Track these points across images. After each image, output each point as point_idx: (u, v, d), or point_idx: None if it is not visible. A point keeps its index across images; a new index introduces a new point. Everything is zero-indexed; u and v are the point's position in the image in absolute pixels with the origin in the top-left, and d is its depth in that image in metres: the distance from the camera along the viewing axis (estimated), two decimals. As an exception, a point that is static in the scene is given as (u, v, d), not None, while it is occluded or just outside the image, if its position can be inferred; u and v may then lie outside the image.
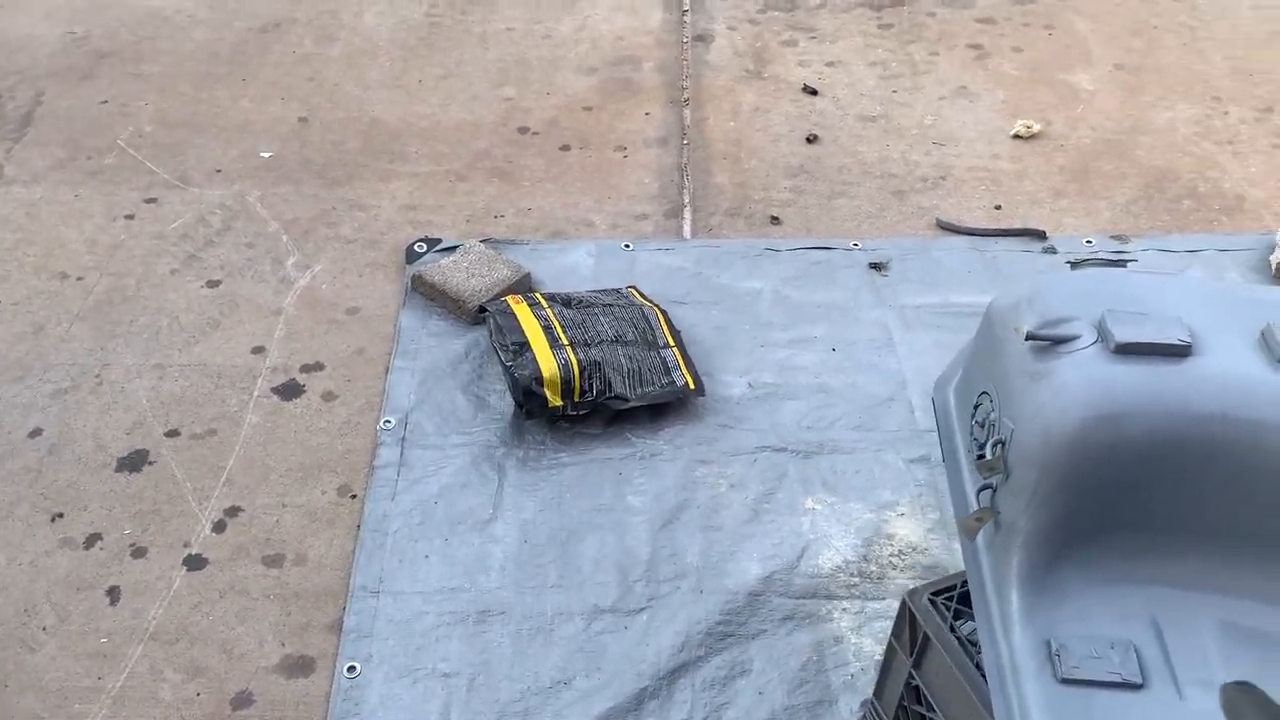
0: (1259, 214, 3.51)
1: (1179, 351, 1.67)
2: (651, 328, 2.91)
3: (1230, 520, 1.68)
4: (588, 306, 2.92)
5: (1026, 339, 1.72)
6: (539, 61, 4.16)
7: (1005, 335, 1.82)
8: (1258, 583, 1.69)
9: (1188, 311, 1.76)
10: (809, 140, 3.76)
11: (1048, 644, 1.61)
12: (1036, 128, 3.79)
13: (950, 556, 2.51)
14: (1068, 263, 2.08)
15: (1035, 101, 3.96)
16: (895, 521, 2.59)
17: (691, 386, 2.79)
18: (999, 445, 1.76)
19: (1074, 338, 1.73)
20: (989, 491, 1.77)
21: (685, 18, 4.40)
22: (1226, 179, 3.64)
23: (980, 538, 1.78)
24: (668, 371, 2.80)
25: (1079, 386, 1.67)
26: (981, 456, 1.86)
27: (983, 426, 1.85)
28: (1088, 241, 3.37)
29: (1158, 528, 1.69)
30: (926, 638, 1.93)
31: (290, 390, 2.87)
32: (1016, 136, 3.77)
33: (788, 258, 3.33)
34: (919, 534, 2.57)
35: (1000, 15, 4.41)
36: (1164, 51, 4.23)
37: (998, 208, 3.50)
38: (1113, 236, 3.39)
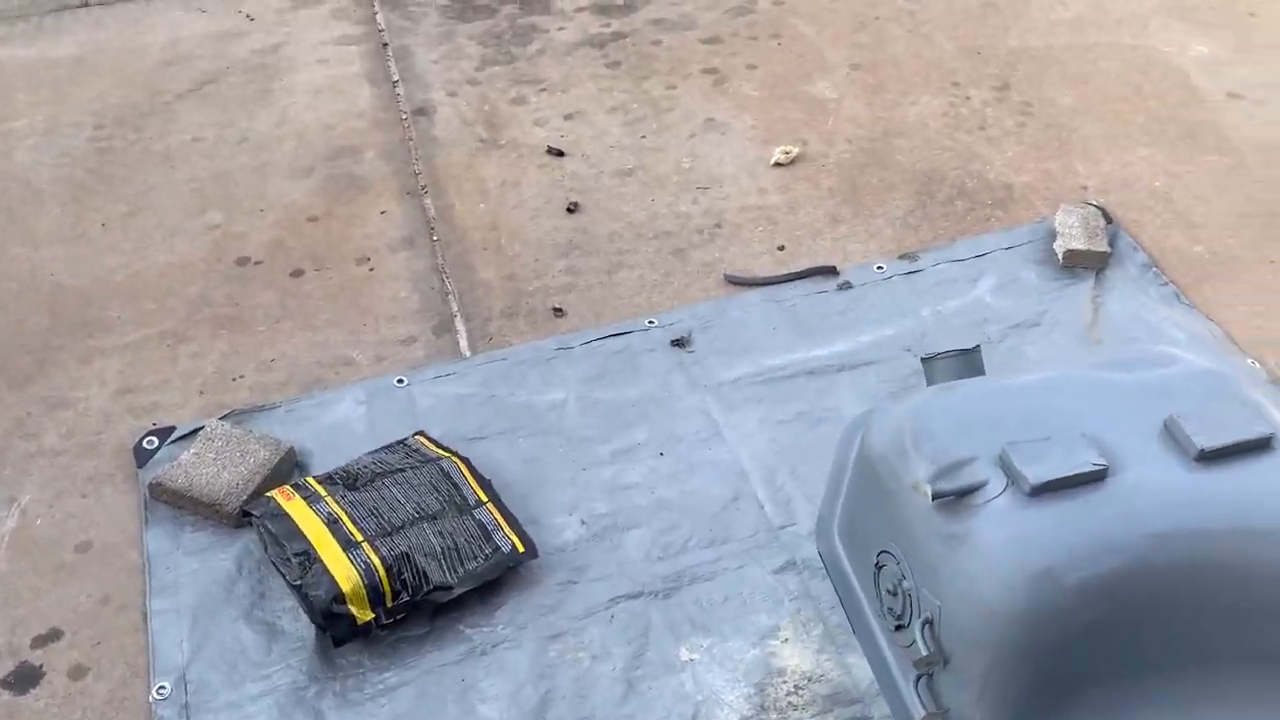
0: (1029, 201, 3.47)
1: (1097, 477, 1.47)
2: (456, 485, 2.50)
3: (1196, 645, 1.50)
4: (375, 480, 2.47)
5: (934, 498, 1.47)
6: (242, 172, 3.62)
7: (895, 487, 1.57)
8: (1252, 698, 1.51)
9: (1083, 418, 1.56)
10: (570, 210, 3.43)
11: None
12: (795, 151, 3.61)
13: (848, 676, 2.25)
14: (921, 358, 1.86)
15: (786, 121, 3.79)
16: (782, 651, 2.30)
17: (521, 549, 2.41)
18: (927, 626, 1.50)
19: (981, 484, 1.49)
20: (926, 680, 1.51)
21: (398, 89, 3.96)
22: (989, 169, 3.59)
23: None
24: (488, 538, 2.40)
25: (1007, 548, 1.44)
26: (900, 627, 1.60)
27: (895, 595, 1.59)
28: (879, 268, 3.23)
29: (1126, 673, 1.49)
30: None
31: (25, 678, 2.27)
32: (778, 164, 3.58)
33: (583, 354, 2.99)
34: (810, 659, 2.29)
35: (725, 32, 4.22)
36: (892, 43, 4.17)
37: (781, 248, 3.30)
38: (901, 257, 3.26)
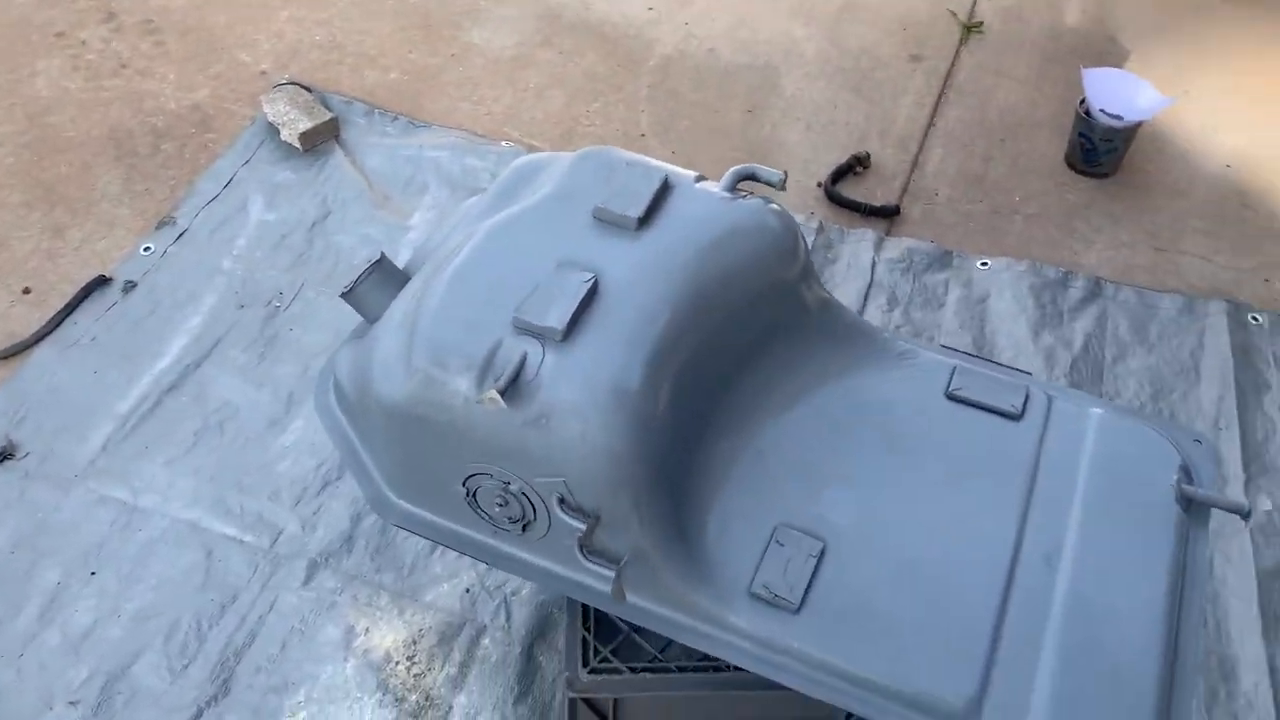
0: (227, 110, 3.30)
1: (593, 292, 1.55)
2: None
3: (752, 376, 1.70)
4: None
5: (504, 398, 1.43)
6: None
7: (446, 416, 1.49)
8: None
9: (539, 252, 1.61)
10: None
11: (754, 593, 1.53)
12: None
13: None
14: (342, 295, 1.73)
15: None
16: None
17: None
18: (563, 503, 1.50)
19: (523, 359, 1.48)
20: (587, 549, 1.53)
21: None
22: (166, 100, 3.32)
23: (630, 591, 1.56)
24: None
25: (583, 395, 1.47)
26: (527, 526, 1.57)
27: (505, 504, 1.55)
28: (146, 249, 2.89)
29: (729, 424, 1.66)
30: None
31: None
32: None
33: None
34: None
35: None
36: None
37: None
38: (159, 226, 2.93)
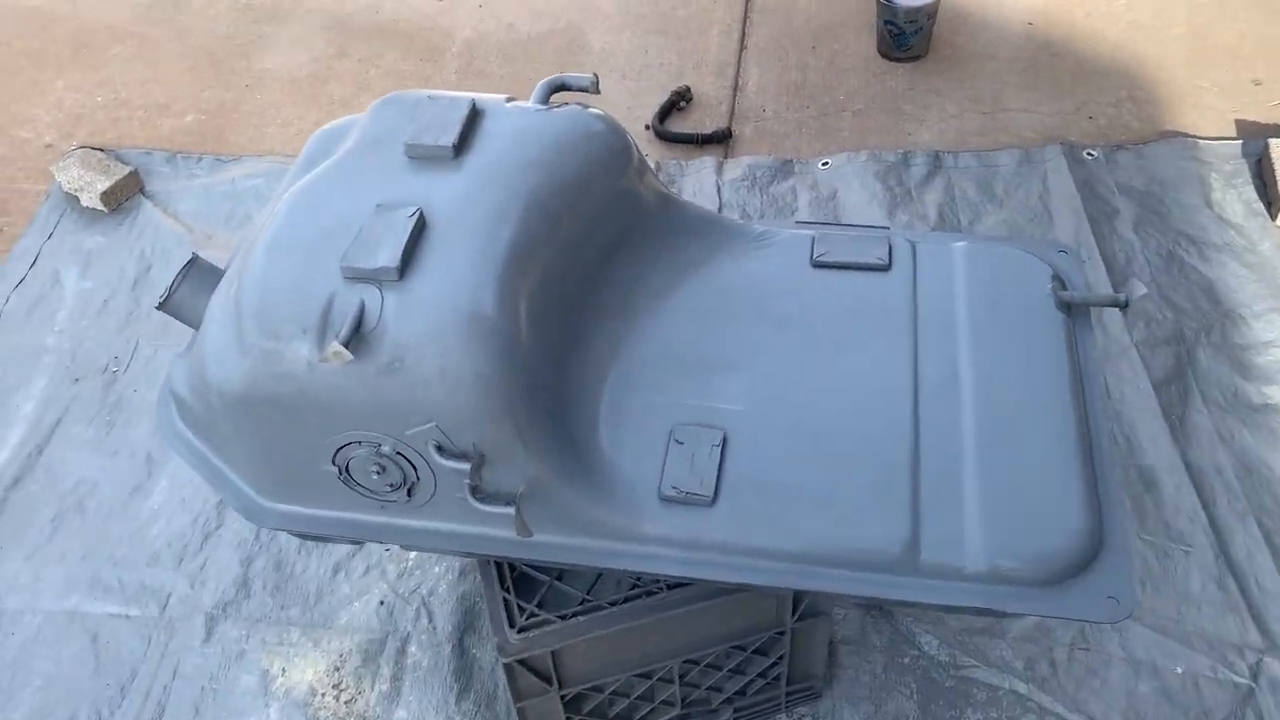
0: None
1: (420, 225, 1.45)
2: None
3: (601, 271, 1.62)
4: None
5: (349, 349, 1.32)
6: None
7: (298, 394, 1.37)
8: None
9: (352, 199, 1.50)
10: None
11: (665, 496, 1.47)
12: None
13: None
14: (159, 307, 1.59)
15: None
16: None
17: None
18: (440, 450, 1.40)
19: (360, 309, 1.37)
20: (477, 490, 1.42)
21: None
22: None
23: (536, 528, 1.47)
24: None
25: (436, 331, 1.37)
26: (412, 488, 1.46)
27: (383, 471, 1.44)
28: None
29: (595, 313, 1.59)
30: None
31: None
32: None
33: None
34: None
35: None
36: None
37: None
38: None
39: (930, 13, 3.13)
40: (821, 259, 1.77)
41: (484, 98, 1.68)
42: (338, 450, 1.45)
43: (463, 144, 1.57)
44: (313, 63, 3.45)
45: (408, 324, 1.37)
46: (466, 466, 1.38)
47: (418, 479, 1.46)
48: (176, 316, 1.66)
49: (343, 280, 1.40)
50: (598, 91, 1.70)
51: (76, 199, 2.99)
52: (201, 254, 1.69)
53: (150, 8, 3.68)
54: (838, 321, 1.69)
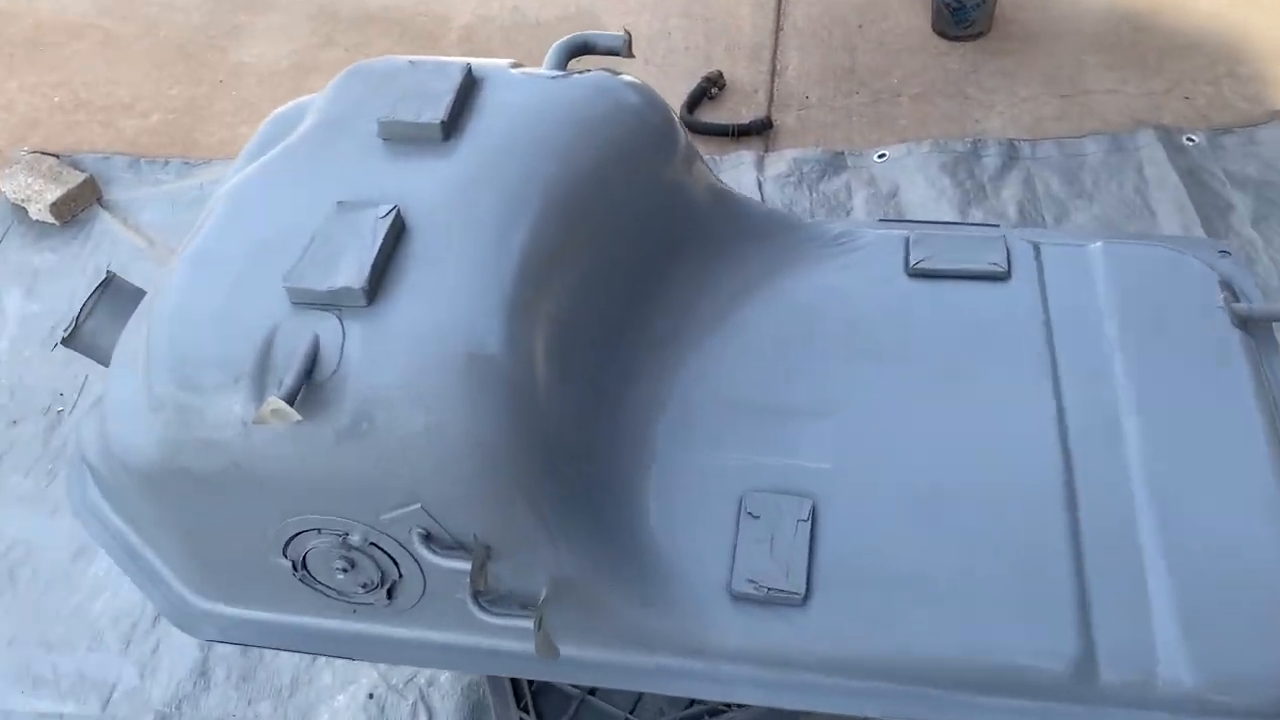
0: (-40, 202, 2.70)
1: (398, 227, 1.06)
2: None
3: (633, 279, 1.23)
4: None
5: (291, 402, 0.93)
6: None
7: (228, 455, 0.98)
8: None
9: (298, 211, 1.11)
10: None
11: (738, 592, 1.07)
12: None
13: None
14: (63, 342, 1.21)
15: None
16: None
17: None
18: (430, 541, 1.00)
19: (314, 347, 0.98)
20: (478, 595, 1.03)
21: None
22: (-118, 209, 2.69)
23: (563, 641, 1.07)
24: None
25: (411, 379, 0.97)
26: (392, 588, 1.07)
27: (349, 568, 1.05)
28: None
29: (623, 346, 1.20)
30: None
31: None
32: None
33: None
34: None
35: None
36: None
37: None
38: None
39: (996, -17, 2.74)
40: (921, 266, 1.38)
41: (482, 63, 1.29)
42: (289, 540, 1.06)
43: (455, 122, 1.19)
44: (295, 53, 3.07)
45: (379, 368, 0.98)
46: (466, 565, 0.99)
47: (400, 576, 1.07)
48: (88, 355, 1.27)
49: (289, 307, 1.01)
50: (630, 54, 1.32)
51: (24, 210, 2.61)
52: (122, 275, 1.31)
53: (113, 4, 3.31)
54: (950, 348, 1.29)
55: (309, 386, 0.97)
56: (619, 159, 1.24)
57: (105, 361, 1.27)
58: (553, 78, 1.27)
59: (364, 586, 1.08)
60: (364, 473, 0.98)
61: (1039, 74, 2.72)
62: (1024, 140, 2.53)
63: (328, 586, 1.10)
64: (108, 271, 1.27)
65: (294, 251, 1.03)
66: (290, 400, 0.92)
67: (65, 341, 1.24)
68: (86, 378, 2.27)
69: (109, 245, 2.55)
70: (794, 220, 1.46)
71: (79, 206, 2.63)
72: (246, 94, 2.95)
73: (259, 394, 0.97)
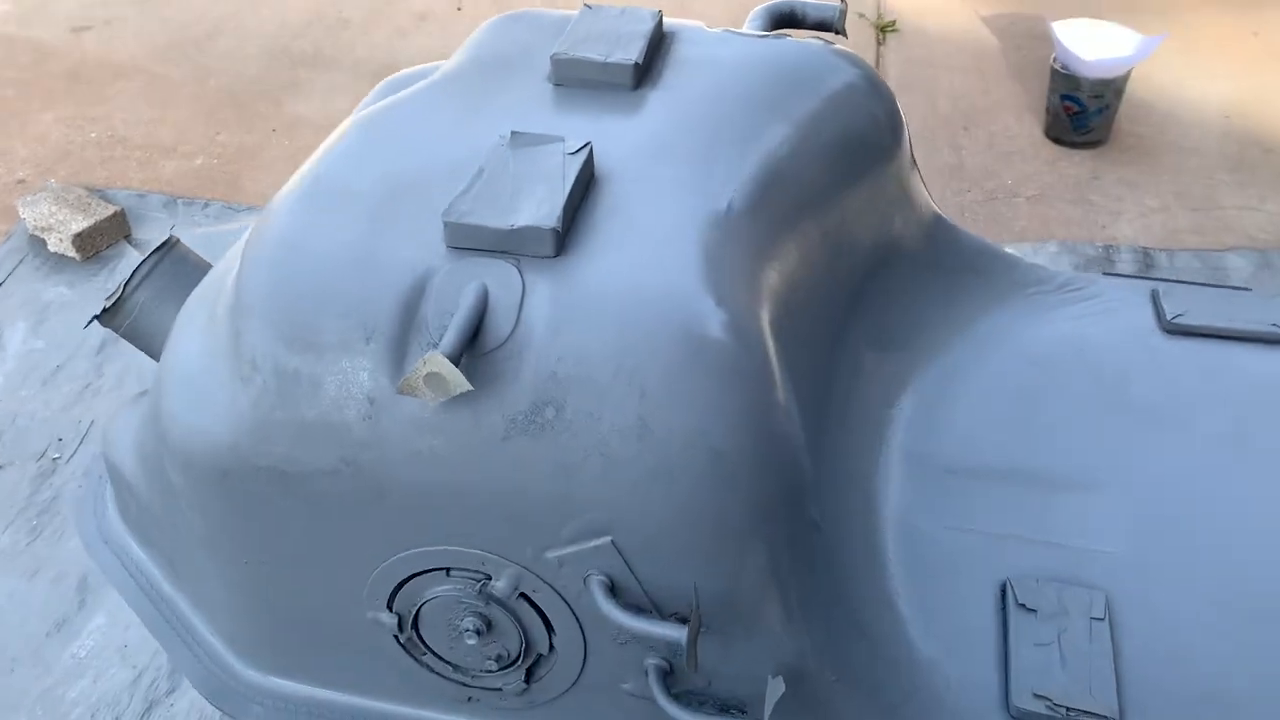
0: (-28, 228, 2.44)
1: (587, 171, 0.79)
2: None
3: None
4: None
5: (455, 360, 0.63)
6: None
7: (344, 444, 0.68)
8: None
9: (441, 143, 0.84)
10: None
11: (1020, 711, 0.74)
12: None
13: None
14: (105, 313, 0.92)
15: None
16: None
17: None
18: (614, 592, 0.70)
19: (482, 302, 0.70)
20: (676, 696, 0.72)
21: None
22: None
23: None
24: None
25: (646, 322, 0.69)
26: (534, 668, 0.75)
27: (488, 628, 0.74)
28: None
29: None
30: None
31: None
32: None
33: None
34: None
35: None
36: None
37: None
38: None
39: (1119, 88, 2.56)
40: (1179, 322, 1.10)
41: (673, 21, 1.04)
42: (400, 585, 0.74)
43: (648, 67, 0.93)
44: (355, 110, 2.86)
45: (576, 337, 0.69)
46: (679, 633, 0.67)
47: (550, 649, 0.75)
48: (131, 339, 0.98)
49: (445, 252, 0.72)
50: (844, 33, 1.07)
51: (43, 242, 2.35)
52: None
53: (168, 48, 3.13)
54: (1230, 415, 1.01)
55: (471, 355, 0.67)
56: (839, 132, 0.97)
57: (153, 352, 0.97)
58: (761, 37, 1.02)
59: (497, 660, 0.75)
60: (537, 482, 0.68)
61: (1166, 186, 2.52)
62: (1159, 250, 2.30)
63: (443, 659, 0.77)
64: (171, 234, 0.99)
65: (449, 188, 0.75)
66: (455, 359, 0.63)
67: (103, 316, 0.95)
68: (90, 424, 1.96)
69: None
70: (1012, 258, 1.20)
71: (105, 241, 2.36)
72: (301, 143, 2.72)
73: (399, 360, 0.67)
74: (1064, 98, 2.58)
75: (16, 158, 2.69)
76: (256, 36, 3.16)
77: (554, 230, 0.70)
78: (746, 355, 0.71)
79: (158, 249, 0.97)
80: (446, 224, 0.71)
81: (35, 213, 2.37)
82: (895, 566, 0.83)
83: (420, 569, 0.72)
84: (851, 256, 0.99)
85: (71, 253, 2.32)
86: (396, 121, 0.86)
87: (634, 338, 0.68)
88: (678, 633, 0.65)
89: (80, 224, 2.33)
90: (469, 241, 0.71)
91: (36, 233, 2.36)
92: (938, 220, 1.14)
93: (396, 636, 0.76)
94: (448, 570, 0.72)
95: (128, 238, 2.40)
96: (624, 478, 0.66)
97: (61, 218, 2.35)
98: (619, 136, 0.84)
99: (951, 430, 0.98)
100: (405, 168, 0.80)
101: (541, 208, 0.72)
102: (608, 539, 0.68)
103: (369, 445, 0.68)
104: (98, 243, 2.36)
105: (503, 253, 0.72)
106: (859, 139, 1.01)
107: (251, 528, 0.74)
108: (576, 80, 0.90)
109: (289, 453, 0.69)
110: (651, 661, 0.70)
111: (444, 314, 0.68)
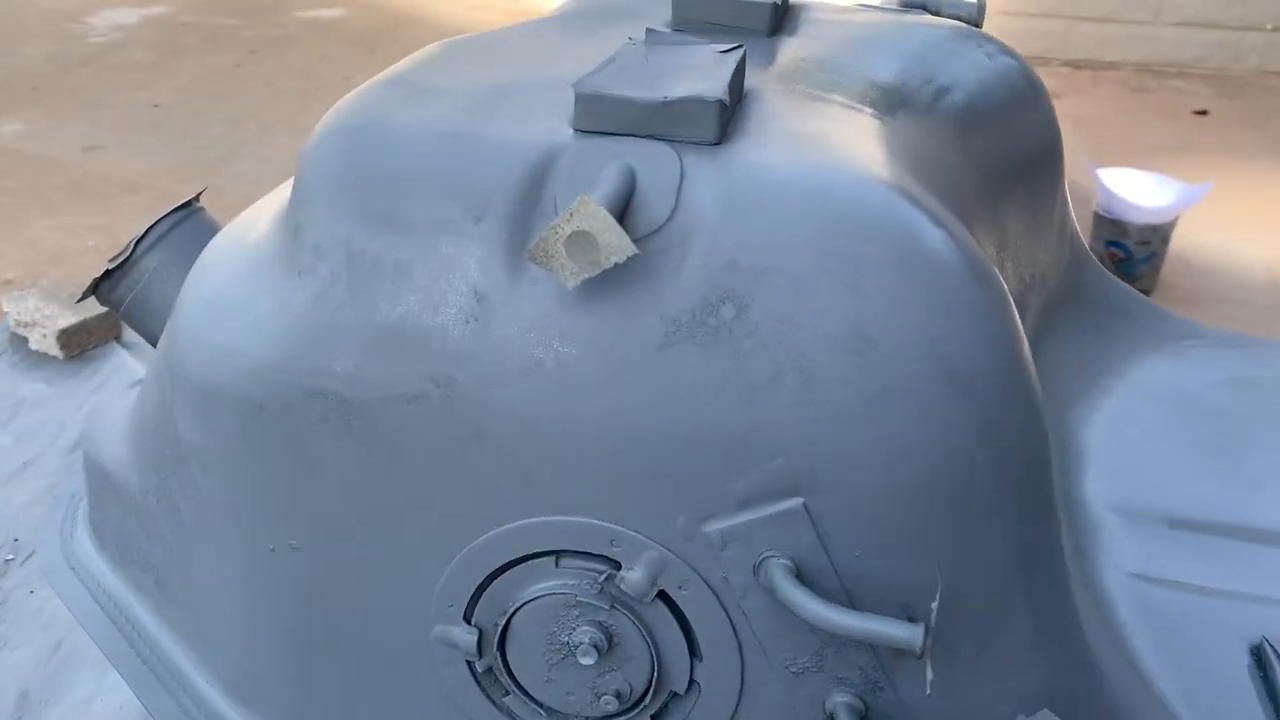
0: (-51, 324, 2.27)
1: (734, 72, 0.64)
2: None
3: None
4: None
5: (600, 216, 0.45)
6: None
7: (433, 363, 0.49)
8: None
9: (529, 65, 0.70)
10: None
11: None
12: None
13: None
14: (96, 287, 0.74)
15: None
16: None
17: None
18: (801, 579, 0.49)
19: (629, 181, 0.53)
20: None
21: None
22: None
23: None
24: None
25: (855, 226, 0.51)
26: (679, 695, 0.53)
27: (611, 644, 0.52)
28: None
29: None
30: None
31: None
32: None
33: None
34: None
35: None
36: None
37: None
38: None
39: (1165, 235, 2.49)
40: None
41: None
42: (490, 579, 0.53)
43: (781, 18, 0.79)
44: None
45: (758, 218, 0.51)
46: (912, 634, 0.46)
47: (691, 683, 0.53)
48: (128, 318, 0.79)
49: (570, 134, 0.56)
50: (980, 27, 0.95)
51: (24, 340, 2.17)
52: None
53: (180, 167, 3.05)
54: None
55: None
56: (1003, 123, 0.83)
57: (150, 336, 0.78)
58: (902, 12, 0.89)
59: (617, 698, 0.53)
60: (704, 412, 0.48)
61: (1219, 335, 2.41)
62: (1224, 394, 2.16)
63: (533, 698, 0.55)
64: (196, 198, 0.82)
65: (561, 96, 0.59)
66: (617, 216, 0.45)
67: (104, 284, 0.76)
68: (54, 524, 1.72)
69: (119, 382, 2.08)
70: (1165, 310, 1.04)
71: (93, 341, 2.19)
72: (312, 258, 2.60)
73: (518, 247, 0.49)
74: (1109, 244, 2.50)
75: (5, 259, 2.55)
76: (274, 161, 3.10)
77: (720, 103, 0.54)
78: (984, 265, 0.54)
79: (178, 208, 0.79)
80: (579, 97, 0.55)
81: (21, 308, 2.20)
82: (1127, 615, 0.63)
83: (520, 554, 0.51)
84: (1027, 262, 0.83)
85: (55, 350, 2.14)
86: (487, 41, 0.72)
87: (841, 228, 0.50)
88: (909, 632, 0.44)
89: (68, 320, 2.16)
90: (605, 122, 0.55)
91: (19, 330, 2.19)
92: (1086, 251, 0.99)
93: (472, 664, 0.54)
94: (557, 557, 0.52)
95: (118, 338, 2.22)
96: (832, 405, 0.47)
97: (48, 313, 2.18)
98: (759, 73, 0.70)
99: (1123, 474, 0.80)
100: (501, 77, 0.64)
101: (708, 77, 0.56)
102: (798, 500, 0.48)
103: (470, 358, 0.49)
104: (84, 340, 2.18)
105: (648, 137, 0.55)
106: (1026, 128, 0.87)
107: (287, 490, 0.53)
108: (702, 23, 0.76)
109: (357, 369, 0.50)
110: (841, 700, 0.49)
111: (574, 185, 0.51)
